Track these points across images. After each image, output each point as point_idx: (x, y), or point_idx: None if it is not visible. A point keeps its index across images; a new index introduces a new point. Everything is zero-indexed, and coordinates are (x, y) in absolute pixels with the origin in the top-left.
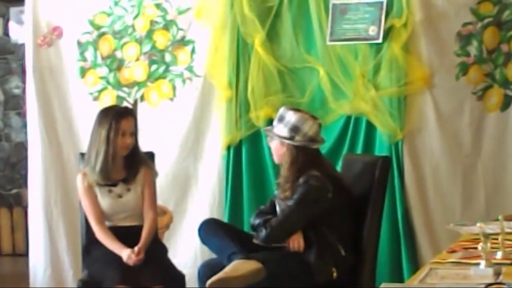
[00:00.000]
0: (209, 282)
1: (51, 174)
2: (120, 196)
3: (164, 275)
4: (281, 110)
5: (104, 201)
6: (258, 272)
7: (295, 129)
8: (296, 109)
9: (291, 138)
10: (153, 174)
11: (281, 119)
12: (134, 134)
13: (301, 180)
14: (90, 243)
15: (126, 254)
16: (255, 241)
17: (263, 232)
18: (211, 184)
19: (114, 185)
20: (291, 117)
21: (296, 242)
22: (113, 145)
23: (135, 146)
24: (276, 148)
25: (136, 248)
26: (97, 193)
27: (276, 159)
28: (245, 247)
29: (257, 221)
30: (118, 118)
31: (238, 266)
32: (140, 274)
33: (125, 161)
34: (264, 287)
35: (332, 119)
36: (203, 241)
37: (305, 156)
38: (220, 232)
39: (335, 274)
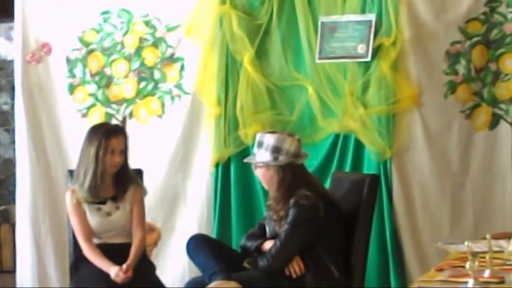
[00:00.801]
0: None
1: (39, 191)
2: (109, 214)
3: None
4: (258, 136)
5: (93, 219)
6: None
7: (276, 150)
8: (272, 131)
9: (275, 159)
10: (142, 192)
11: (260, 145)
12: (124, 152)
13: (291, 201)
14: (78, 260)
15: (114, 271)
16: (245, 265)
17: (264, 262)
18: (199, 202)
19: (103, 202)
20: (269, 139)
21: (296, 267)
22: (102, 163)
23: (125, 164)
24: (263, 174)
25: (124, 266)
26: (85, 211)
27: (265, 185)
28: (232, 264)
29: (248, 244)
30: (107, 136)
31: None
32: None
33: (114, 179)
34: None
35: (321, 137)
36: (190, 256)
37: (292, 174)
38: (205, 249)
39: None
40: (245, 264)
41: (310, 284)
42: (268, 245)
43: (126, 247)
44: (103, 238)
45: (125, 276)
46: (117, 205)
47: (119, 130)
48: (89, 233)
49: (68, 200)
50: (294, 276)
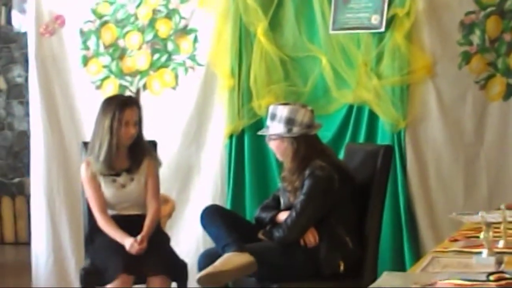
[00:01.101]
0: (198, 276)
1: (54, 163)
2: (123, 186)
3: (167, 263)
4: (271, 108)
5: (108, 191)
6: (248, 266)
7: (290, 121)
8: (284, 103)
9: (289, 131)
10: (157, 164)
11: (273, 117)
12: (138, 124)
13: (306, 172)
14: (93, 232)
15: (129, 242)
16: (260, 236)
17: (279, 233)
18: (213, 173)
19: (118, 174)
20: (282, 111)
21: (311, 238)
22: (117, 135)
23: (139, 136)
24: (277, 146)
25: (139, 237)
26: (100, 182)
27: (280, 157)
28: (246, 236)
29: (263, 215)
30: (121, 107)
31: (229, 260)
32: (143, 263)
33: (129, 150)
34: (263, 277)
35: (335, 108)
36: (204, 227)
37: (307, 145)
38: (219, 220)
39: (342, 268)
40: (260, 235)
41: (324, 255)
42: (282, 216)
43: (141, 218)
44: (118, 209)
45: (140, 247)
46: (131, 177)
47: (133, 101)
48: (104, 205)
49: (83, 172)
50: (309, 246)
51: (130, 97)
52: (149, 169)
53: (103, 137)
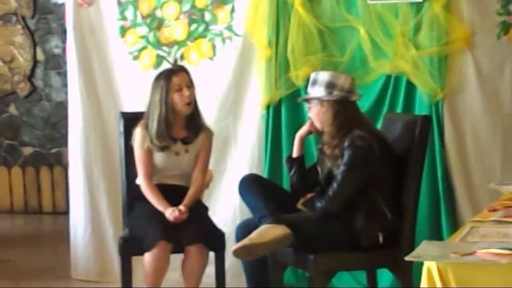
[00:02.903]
0: (233, 248)
1: (91, 133)
2: (177, 154)
3: (205, 233)
4: (312, 75)
5: (159, 156)
6: (285, 239)
7: (331, 85)
8: (326, 71)
9: (329, 94)
10: (212, 139)
11: (314, 82)
12: (193, 87)
13: (346, 142)
14: (133, 200)
15: (169, 211)
16: (299, 206)
17: (322, 204)
18: (250, 144)
19: (174, 142)
20: (324, 76)
21: None
22: (170, 105)
23: (196, 107)
24: (317, 112)
25: (181, 207)
26: (153, 147)
27: (318, 124)
28: (283, 205)
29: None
30: (167, 76)
31: (265, 232)
32: (181, 231)
33: (187, 121)
34: (300, 248)
35: (372, 78)
36: (241, 197)
37: (346, 110)
38: (257, 190)
39: (380, 239)
40: (300, 206)
41: (362, 226)
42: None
43: (183, 189)
44: (163, 177)
45: (180, 216)
46: (186, 148)
47: (180, 68)
48: (151, 170)
49: (138, 133)
50: None
51: (176, 65)
52: (204, 143)
53: (154, 112)
